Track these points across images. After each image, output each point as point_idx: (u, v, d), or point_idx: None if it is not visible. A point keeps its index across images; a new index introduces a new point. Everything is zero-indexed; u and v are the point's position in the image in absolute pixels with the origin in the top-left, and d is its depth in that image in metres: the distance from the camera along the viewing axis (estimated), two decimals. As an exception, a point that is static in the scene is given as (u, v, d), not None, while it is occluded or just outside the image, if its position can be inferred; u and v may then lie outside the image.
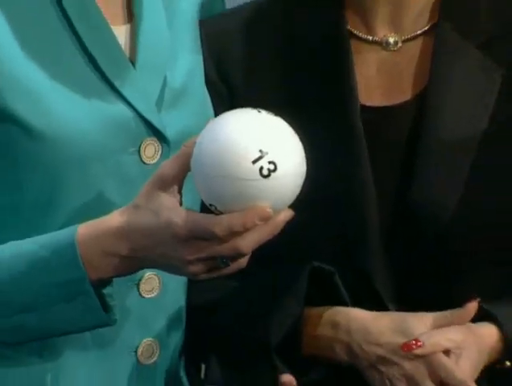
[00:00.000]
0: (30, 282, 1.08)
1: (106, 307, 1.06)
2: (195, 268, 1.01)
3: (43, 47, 1.11)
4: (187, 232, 0.99)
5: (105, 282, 1.06)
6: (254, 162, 0.92)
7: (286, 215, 0.96)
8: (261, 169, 0.92)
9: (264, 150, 0.92)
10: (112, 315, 1.07)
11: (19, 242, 1.10)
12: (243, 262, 1.02)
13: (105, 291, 1.07)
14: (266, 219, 0.95)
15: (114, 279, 1.07)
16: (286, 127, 0.98)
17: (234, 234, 0.96)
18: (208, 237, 0.97)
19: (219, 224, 0.96)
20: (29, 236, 1.11)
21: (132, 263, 1.03)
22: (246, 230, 0.96)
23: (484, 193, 1.13)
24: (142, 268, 1.07)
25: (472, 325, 1.08)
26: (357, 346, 1.08)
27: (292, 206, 1.01)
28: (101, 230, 1.03)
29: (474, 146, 1.13)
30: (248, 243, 0.97)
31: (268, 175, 0.93)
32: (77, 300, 1.06)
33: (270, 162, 0.93)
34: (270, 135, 0.95)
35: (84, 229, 1.04)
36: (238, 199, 0.95)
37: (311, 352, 1.10)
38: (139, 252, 1.01)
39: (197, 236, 0.99)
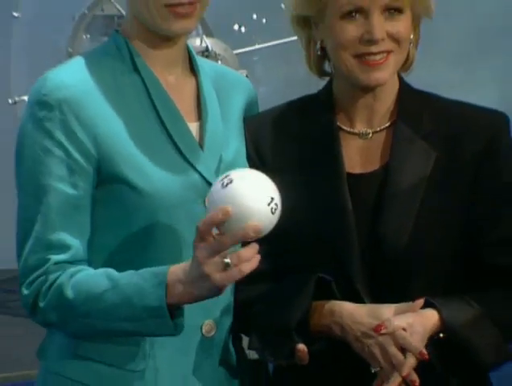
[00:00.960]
0: (121, 308, 1.23)
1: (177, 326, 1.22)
2: (208, 268, 1.15)
3: (143, 134, 1.32)
4: (196, 238, 1.16)
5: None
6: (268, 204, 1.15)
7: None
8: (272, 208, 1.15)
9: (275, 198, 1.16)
10: (179, 330, 1.23)
11: (116, 276, 1.25)
12: (251, 264, 1.14)
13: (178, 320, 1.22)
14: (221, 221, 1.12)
15: None
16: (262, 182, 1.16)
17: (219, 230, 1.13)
18: (202, 235, 1.14)
19: (202, 222, 1.14)
20: (132, 261, 1.30)
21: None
22: (220, 222, 1.13)
23: (425, 230, 1.34)
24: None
25: (421, 311, 1.28)
26: (347, 326, 1.29)
27: (302, 236, 1.27)
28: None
29: (418, 199, 1.34)
30: (229, 239, 1.13)
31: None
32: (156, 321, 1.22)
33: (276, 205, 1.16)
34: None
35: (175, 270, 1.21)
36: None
37: (316, 330, 1.31)
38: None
39: (200, 238, 1.15)
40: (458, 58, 4.93)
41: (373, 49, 1.31)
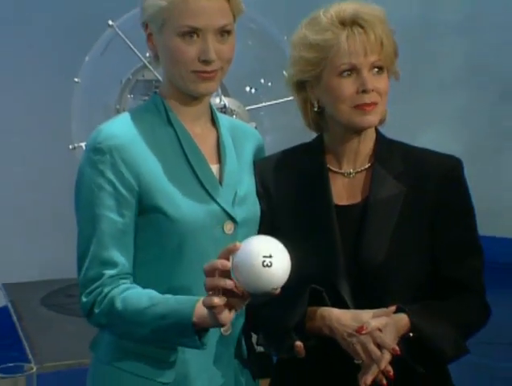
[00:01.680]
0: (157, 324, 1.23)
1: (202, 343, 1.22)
2: (212, 296, 1.16)
3: (175, 173, 1.32)
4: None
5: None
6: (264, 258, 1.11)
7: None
8: (263, 263, 1.12)
9: (273, 255, 1.12)
10: (203, 346, 1.23)
11: (156, 298, 1.25)
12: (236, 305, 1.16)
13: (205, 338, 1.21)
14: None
15: None
16: (278, 244, 1.14)
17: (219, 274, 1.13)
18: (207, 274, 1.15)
19: (208, 265, 1.16)
20: (165, 273, 1.31)
21: None
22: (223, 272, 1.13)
23: (397, 251, 1.33)
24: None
25: (394, 315, 1.28)
26: (335, 328, 1.28)
27: (299, 254, 1.19)
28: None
29: (392, 226, 1.33)
30: (224, 281, 1.13)
31: (269, 266, 1.12)
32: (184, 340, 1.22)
33: (270, 262, 1.12)
34: (281, 249, 1.14)
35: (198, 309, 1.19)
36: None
37: (311, 330, 1.30)
38: None
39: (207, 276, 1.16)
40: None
41: (366, 99, 1.31)
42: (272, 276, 1.12)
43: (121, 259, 1.28)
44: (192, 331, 1.20)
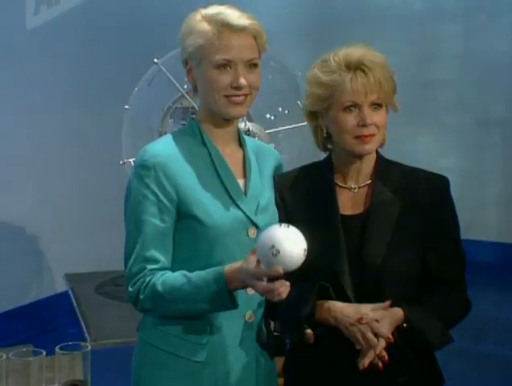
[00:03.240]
0: (194, 295, 1.24)
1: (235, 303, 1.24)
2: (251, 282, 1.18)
3: (208, 186, 1.30)
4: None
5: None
6: (270, 249, 1.12)
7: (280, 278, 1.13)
8: (272, 252, 1.12)
9: (275, 245, 1.12)
10: (235, 305, 1.24)
11: (189, 274, 1.25)
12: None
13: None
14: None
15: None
16: (296, 232, 1.13)
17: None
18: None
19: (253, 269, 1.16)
20: (198, 269, 1.27)
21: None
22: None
23: (394, 255, 1.31)
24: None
25: (390, 308, 1.27)
26: (339, 319, 1.27)
27: (311, 257, 1.17)
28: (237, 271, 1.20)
29: (390, 233, 1.32)
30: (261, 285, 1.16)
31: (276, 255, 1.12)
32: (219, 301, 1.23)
33: (276, 250, 1.12)
34: (283, 237, 1.12)
35: (228, 269, 1.22)
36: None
37: (318, 320, 1.29)
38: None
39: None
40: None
41: (365, 132, 1.31)
42: (284, 260, 1.13)
43: (160, 257, 1.27)
44: (226, 292, 1.20)
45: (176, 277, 1.25)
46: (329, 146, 1.41)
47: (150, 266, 1.26)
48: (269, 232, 1.15)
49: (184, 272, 1.26)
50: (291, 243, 1.13)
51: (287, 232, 1.14)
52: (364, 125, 1.30)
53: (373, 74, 1.29)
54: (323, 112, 1.35)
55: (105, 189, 3.43)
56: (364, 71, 1.29)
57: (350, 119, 1.30)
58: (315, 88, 1.33)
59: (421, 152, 4.33)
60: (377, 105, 1.31)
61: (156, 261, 1.27)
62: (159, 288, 1.24)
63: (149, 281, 1.26)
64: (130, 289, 1.27)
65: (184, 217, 1.29)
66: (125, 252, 1.30)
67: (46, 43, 3.51)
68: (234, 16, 1.26)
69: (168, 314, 1.29)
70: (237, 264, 1.21)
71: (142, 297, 1.26)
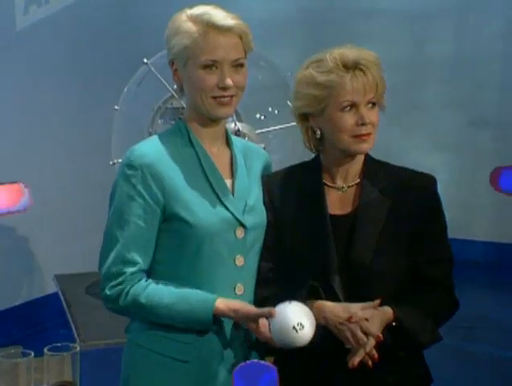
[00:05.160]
0: (179, 317, 1.25)
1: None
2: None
3: (195, 187, 1.29)
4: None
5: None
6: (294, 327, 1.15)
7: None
8: (294, 328, 1.17)
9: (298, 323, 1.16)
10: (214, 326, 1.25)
11: (176, 294, 1.25)
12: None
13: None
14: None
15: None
16: (302, 307, 1.18)
17: None
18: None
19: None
20: (184, 270, 1.28)
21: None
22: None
23: (381, 255, 1.32)
24: None
25: (379, 307, 1.27)
26: (329, 318, 1.27)
27: (301, 257, 1.24)
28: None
29: (377, 232, 1.32)
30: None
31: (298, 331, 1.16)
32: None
33: (301, 326, 1.16)
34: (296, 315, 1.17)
35: (220, 303, 1.23)
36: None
37: None
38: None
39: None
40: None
41: (364, 131, 1.31)
42: (302, 337, 1.18)
43: (139, 259, 1.27)
44: (211, 324, 1.23)
45: (163, 293, 1.25)
46: (319, 147, 1.41)
47: (129, 269, 1.25)
48: (292, 308, 1.19)
49: (172, 290, 1.26)
50: (312, 320, 1.20)
51: (301, 307, 1.19)
52: (363, 124, 1.30)
53: (371, 73, 1.29)
54: (316, 113, 1.34)
55: (95, 190, 3.40)
56: (362, 71, 1.29)
57: (348, 118, 1.30)
58: (309, 88, 1.32)
59: (412, 151, 4.34)
60: (372, 104, 1.32)
61: (134, 264, 1.26)
62: (143, 300, 1.25)
63: (130, 289, 1.26)
64: (108, 292, 1.26)
65: (171, 218, 1.28)
66: (104, 249, 1.28)
67: (35, 42, 3.49)
68: (220, 16, 1.26)
69: (146, 321, 1.30)
70: (232, 303, 1.24)
71: (122, 304, 1.26)
